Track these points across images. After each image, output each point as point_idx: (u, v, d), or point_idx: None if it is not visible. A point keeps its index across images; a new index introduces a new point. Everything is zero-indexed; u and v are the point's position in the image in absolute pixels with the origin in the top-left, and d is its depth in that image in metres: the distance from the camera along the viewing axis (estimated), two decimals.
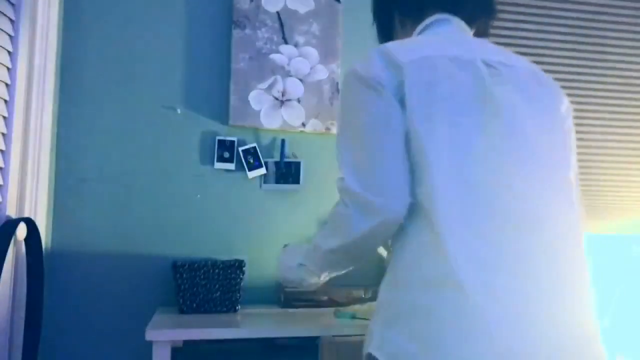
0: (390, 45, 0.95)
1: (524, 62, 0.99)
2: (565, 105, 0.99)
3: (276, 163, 1.77)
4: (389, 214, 0.88)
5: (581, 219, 0.93)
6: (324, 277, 1.10)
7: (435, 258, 0.82)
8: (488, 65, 0.93)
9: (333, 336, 1.21)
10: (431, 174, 0.85)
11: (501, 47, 1.01)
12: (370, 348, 0.86)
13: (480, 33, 1.12)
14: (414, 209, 0.88)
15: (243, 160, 1.75)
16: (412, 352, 0.80)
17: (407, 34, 1.10)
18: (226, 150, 1.74)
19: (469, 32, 1.06)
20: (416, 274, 0.84)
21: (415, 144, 0.88)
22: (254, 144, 1.76)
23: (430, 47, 0.94)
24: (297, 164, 1.79)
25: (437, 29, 1.03)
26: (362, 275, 1.41)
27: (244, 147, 1.75)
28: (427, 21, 1.04)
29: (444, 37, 1.01)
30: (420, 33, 1.05)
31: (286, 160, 1.78)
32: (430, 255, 0.83)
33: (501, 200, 0.85)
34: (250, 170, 1.75)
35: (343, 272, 1.08)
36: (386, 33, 1.15)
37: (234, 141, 1.75)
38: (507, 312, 0.78)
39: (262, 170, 1.75)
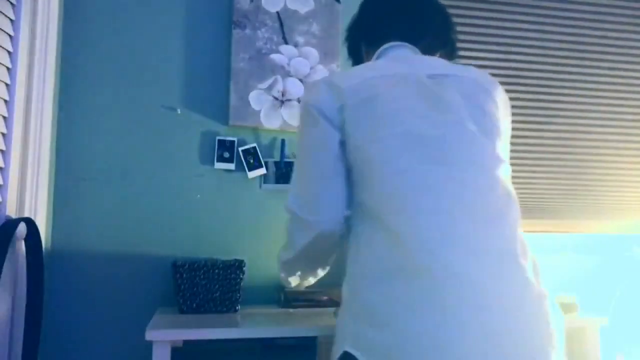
0: (336, 74, 1.08)
1: (470, 72, 1.07)
2: (498, 101, 1.06)
3: (276, 163, 1.77)
4: (322, 229, 1.01)
5: (514, 199, 0.98)
6: (298, 280, 1.21)
7: (392, 251, 0.88)
8: (430, 77, 1.02)
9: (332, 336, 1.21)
10: (380, 179, 0.93)
11: (450, 63, 1.10)
12: (346, 346, 0.88)
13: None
14: (364, 213, 0.96)
15: (243, 160, 1.75)
16: (385, 342, 0.83)
17: (369, 59, 1.19)
18: (226, 150, 1.74)
19: (416, 52, 1.13)
20: (376, 267, 0.89)
21: (360, 157, 0.97)
22: (254, 144, 1.76)
23: (373, 70, 1.04)
24: None
25: (391, 53, 1.13)
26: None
27: (244, 147, 1.75)
28: (383, 47, 1.14)
29: (393, 59, 1.10)
30: (377, 58, 1.15)
31: (286, 160, 1.78)
32: (387, 249, 0.89)
33: (449, 191, 0.91)
34: (250, 170, 1.75)
35: (317, 276, 1.19)
36: (358, 62, 1.26)
37: (234, 141, 1.75)
38: (466, 290, 0.83)
39: (262, 170, 1.75)
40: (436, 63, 1.07)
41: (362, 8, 1.23)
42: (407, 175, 0.91)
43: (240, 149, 1.75)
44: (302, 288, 1.27)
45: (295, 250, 1.07)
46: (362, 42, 1.23)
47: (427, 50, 1.14)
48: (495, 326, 0.81)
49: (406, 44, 1.13)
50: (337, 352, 0.92)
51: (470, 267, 0.84)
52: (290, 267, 1.15)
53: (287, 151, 1.78)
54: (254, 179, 1.75)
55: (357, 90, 1.00)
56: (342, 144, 1.00)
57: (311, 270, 1.17)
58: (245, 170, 1.75)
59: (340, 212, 1.00)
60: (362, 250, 0.93)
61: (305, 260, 1.11)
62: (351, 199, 1.01)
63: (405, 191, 0.90)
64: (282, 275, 1.19)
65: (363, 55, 1.24)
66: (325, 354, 1.17)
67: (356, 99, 0.99)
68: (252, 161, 1.75)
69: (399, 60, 1.08)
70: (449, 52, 1.21)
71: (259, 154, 1.76)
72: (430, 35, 1.16)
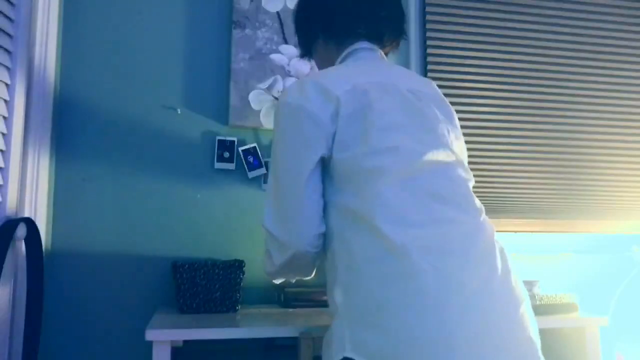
0: (322, 75, 1.03)
1: (430, 88, 1.13)
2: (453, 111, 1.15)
3: None
4: (297, 249, 1.01)
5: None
6: (284, 280, 1.25)
7: (389, 257, 0.88)
8: (410, 91, 1.05)
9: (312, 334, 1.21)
10: (377, 190, 0.93)
11: (413, 74, 1.15)
12: (346, 352, 0.88)
13: (389, 51, 1.25)
14: (353, 220, 0.95)
15: (243, 160, 1.75)
16: (388, 347, 0.84)
17: (329, 51, 1.19)
18: (226, 150, 1.74)
19: (383, 57, 1.17)
20: (374, 274, 0.89)
21: (351, 167, 0.96)
22: (254, 144, 1.76)
23: (359, 76, 1.03)
24: None
25: (359, 55, 1.14)
26: None
27: (244, 147, 1.75)
28: (350, 49, 1.14)
29: (367, 65, 1.11)
30: (343, 59, 1.15)
31: None
32: (384, 256, 0.89)
33: (436, 207, 0.94)
34: (250, 170, 1.75)
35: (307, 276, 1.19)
36: (307, 46, 1.25)
37: (234, 141, 1.75)
38: (456, 291, 0.86)
39: (262, 170, 1.75)
40: (406, 75, 1.11)
41: None
42: (402, 188, 0.94)
43: (240, 149, 1.75)
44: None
45: (275, 266, 1.08)
46: (320, 33, 1.19)
47: (385, 44, 1.19)
48: (487, 325, 0.84)
49: (372, 45, 1.15)
50: (334, 358, 0.91)
51: (461, 272, 0.87)
52: (274, 276, 1.17)
53: None
54: (254, 179, 1.76)
55: (352, 97, 0.98)
56: (322, 158, 1.00)
57: (297, 276, 1.19)
58: (245, 170, 1.75)
59: (314, 232, 1.00)
60: (354, 254, 0.93)
61: (288, 272, 1.13)
62: (333, 206, 1.00)
63: (401, 203, 0.92)
64: (270, 277, 1.21)
65: (318, 46, 1.21)
66: (306, 350, 1.16)
67: (351, 105, 0.98)
68: (252, 161, 1.75)
69: (375, 68, 1.09)
70: (398, 42, 1.24)
71: (259, 153, 1.76)
72: (392, 29, 1.19)
